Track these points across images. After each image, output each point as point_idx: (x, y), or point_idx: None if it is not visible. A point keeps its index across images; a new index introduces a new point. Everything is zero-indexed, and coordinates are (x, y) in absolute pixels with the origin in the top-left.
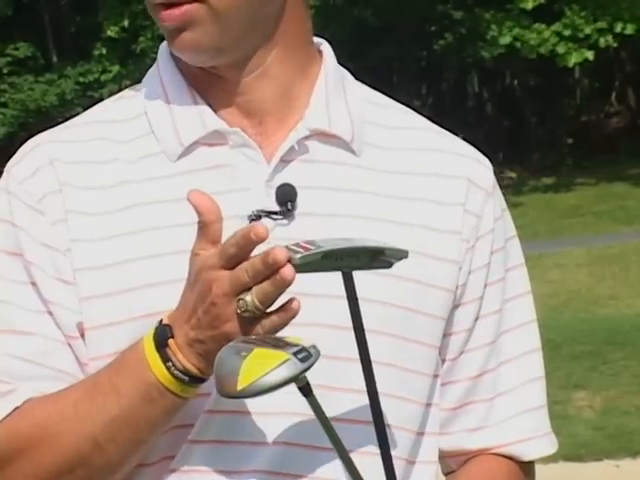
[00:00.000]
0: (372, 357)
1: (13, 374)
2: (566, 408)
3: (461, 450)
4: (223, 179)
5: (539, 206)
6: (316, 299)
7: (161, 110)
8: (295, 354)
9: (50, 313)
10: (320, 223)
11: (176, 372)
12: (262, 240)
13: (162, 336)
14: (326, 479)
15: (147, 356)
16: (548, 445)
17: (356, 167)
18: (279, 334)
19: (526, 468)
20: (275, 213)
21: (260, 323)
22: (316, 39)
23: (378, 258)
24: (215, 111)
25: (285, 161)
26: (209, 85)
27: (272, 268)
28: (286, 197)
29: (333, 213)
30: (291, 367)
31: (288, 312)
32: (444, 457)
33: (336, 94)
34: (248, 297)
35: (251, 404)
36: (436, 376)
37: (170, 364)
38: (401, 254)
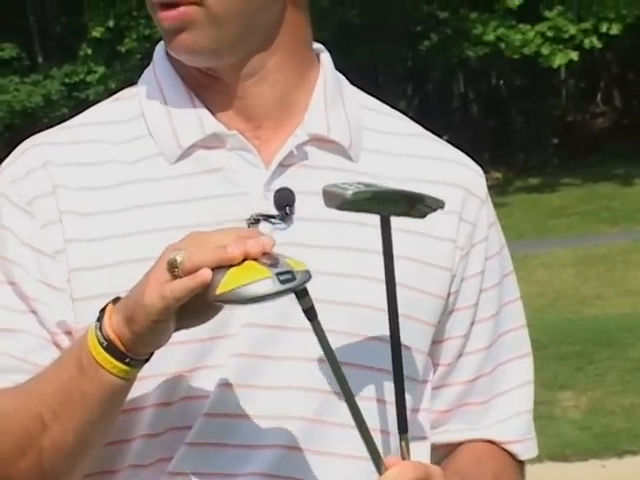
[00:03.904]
0: (361, 361)
1: None
2: (552, 408)
3: (455, 443)
4: (221, 183)
5: (525, 206)
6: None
7: (159, 112)
8: (278, 274)
9: (33, 312)
10: (318, 228)
11: (98, 333)
12: (263, 249)
13: (108, 302)
14: None
15: (91, 324)
16: (535, 447)
17: (353, 173)
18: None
19: (519, 466)
20: (273, 217)
21: (171, 281)
22: (314, 44)
23: (415, 206)
24: (213, 114)
25: (283, 165)
26: (207, 88)
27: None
28: (284, 201)
29: (331, 218)
30: (267, 285)
31: (194, 277)
32: (435, 449)
33: (334, 100)
34: (180, 253)
35: (249, 407)
36: (425, 382)
37: (98, 324)
38: (438, 204)
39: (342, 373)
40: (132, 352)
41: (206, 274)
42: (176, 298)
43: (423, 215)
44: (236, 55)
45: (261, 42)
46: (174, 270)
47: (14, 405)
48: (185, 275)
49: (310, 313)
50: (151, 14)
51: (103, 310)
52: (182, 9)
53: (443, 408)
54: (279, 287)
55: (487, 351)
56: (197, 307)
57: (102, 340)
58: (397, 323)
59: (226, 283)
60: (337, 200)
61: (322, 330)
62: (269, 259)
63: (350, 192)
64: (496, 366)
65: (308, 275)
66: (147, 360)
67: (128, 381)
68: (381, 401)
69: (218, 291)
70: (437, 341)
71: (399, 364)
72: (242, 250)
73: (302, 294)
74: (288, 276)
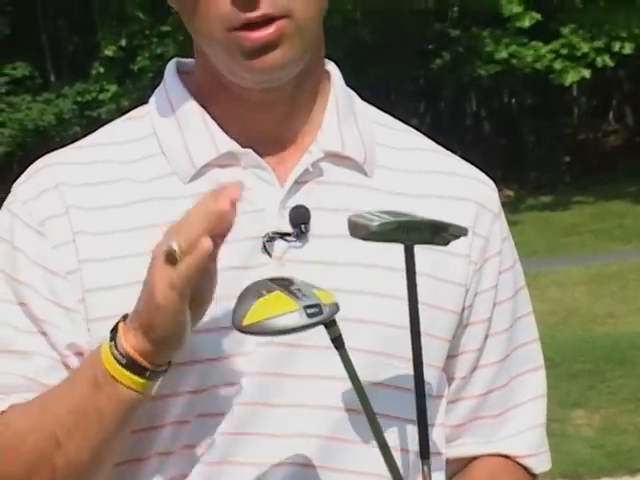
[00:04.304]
0: (376, 378)
1: (7, 387)
2: (564, 426)
3: (469, 457)
4: None
5: (537, 224)
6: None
7: (171, 131)
8: (306, 307)
9: (44, 333)
10: (334, 245)
11: (115, 351)
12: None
13: (117, 321)
14: None
15: (103, 343)
16: (548, 461)
17: (368, 189)
18: (313, 284)
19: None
20: (289, 235)
21: (176, 266)
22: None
23: (439, 234)
24: (226, 132)
25: (299, 183)
26: (221, 106)
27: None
28: (300, 219)
29: (346, 235)
30: (295, 318)
31: (199, 250)
32: (449, 463)
33: (347, 116)
34: (173, 241)
35: (265, 425)
36: (440, 397)
37: (113, 343)
38: (462, 231)
39: (365, 394)
40: (153, 364)
41: (206, 243)
42: (185, 280)
43: (446, 243)
44: (299, 68)
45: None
46: (174, 259)
47: (27, 424)
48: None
49: (338, 342)
50: (222, 38)
51: (114, 329)
52: (279, 23)
53: (457, 422)
54: (306, 321)
55: (501, 364)
56: (201, 288)
57: (120, 358)
58: (420, 349)
59: (254, 314)
60: (362, 231)
61: (349, 359)
62: (298, 290)
63: (376, 223)
64: (510, 379)
65: (336, 308)
66: (166, 371)
67: (146, 395)
68: (401, 419)
69: (245, 322)
70: (452, 355)
71: (421, 391)
72: (227, 200)
73: (330, 324)
74: (316, 309)
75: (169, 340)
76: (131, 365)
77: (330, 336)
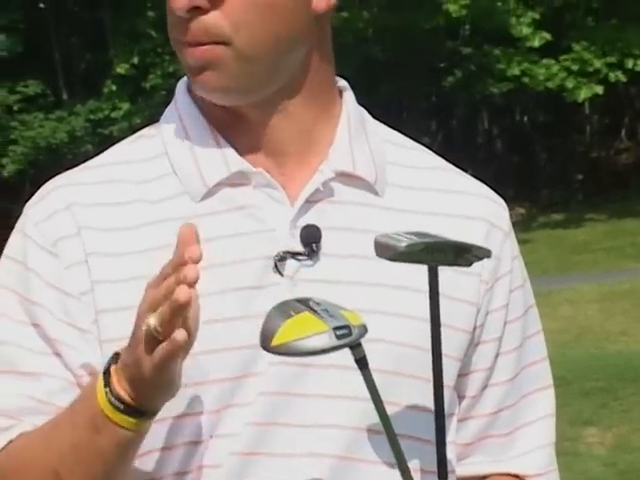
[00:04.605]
0: (388, 397)
1: (19, 410)
2: (577, 445)
3: (479, 476)
4: (248, 220)
5: (549, 242)
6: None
7: (182, 150)
8: (335, 329)
9: (57, 354)
10: (345, 264)
11: (111, 398)
12: (194, 261)
13: (109, 362)
14: None
15: (97, 383)
16: (557, 479)
17: (379, 208)
18: (339, 304)
19: None
20: (300, 254)
21: (156, 349)
22: (336, 79)
23: (462, 255)
24: (237, 151)
25: (309, 202)
26: (230, 124)
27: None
28: (311, 238)
29: (357, 254)
30: (324, 339)
31: (171, 342)
32: None
33: (358, 135)
34: (151, 317)
35: (278, 445)
36: (451, 415)
37: (108, 389)
38: (485, 253)
39: (386, 414)
40: (149, 408)
41: (179, 336)
42: (168, 363)
43: (469, 264)
44: (261, 93)
45: (286, 81)
46: (155, 337)
47: (29, 459)
48: (167, 337)
49: (362, 363)
50: (176, 51)
51: (106, 372)
52: (209, 47)
53: (467, 440)
54: (335, 342)
55: (511, 383)
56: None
57: (117, 404)
58: (441, 371)
59: (283, 335)
60: (390, 252)
61: (372, 380)
62: (327, 311)
63: (403, 244)
64: (519, 398)
65: (364, 330)
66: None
67: (145, 431)
68: (414, 438)
69: (274, 342)
70: (462, 374)
71: (441, 411)
72: (186, 292)
73: (356, 345)
74: (345, 331)
75: (161, 393)
76: (128, 410)
77: (355, 357)
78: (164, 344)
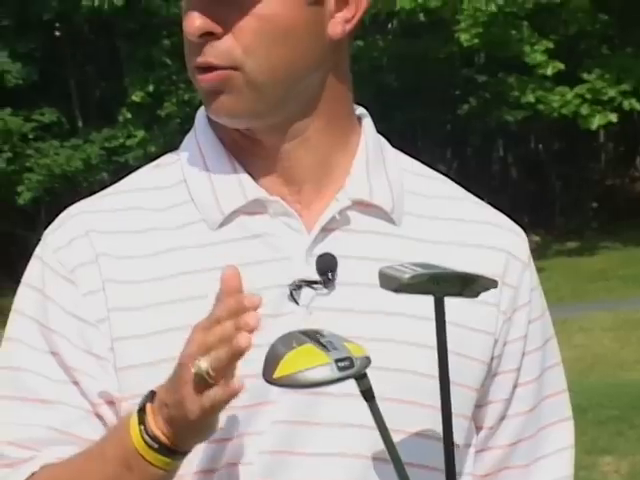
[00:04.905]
0: (400, 426)
1: (38, 441)
2: (592, 473)
3: None
4: (264, 248)
5: (564, 270)
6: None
7: (200, 178)
8: (337, 361)
9: (75, 382)
10: (360, 293)
11: (146, 437)
12: (255, 308)
13: (144, 400)
14: None
15: (131, 420)
16: None
17: (396, 237)
18: (343, 336)
19: None
20: (316, 282)
21: (207, 392)
22: (356, 108)
23: (469, 286)
24: (254, 178)
25: (326, 230)
26: (248, 152)
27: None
28: (327, 267)
29: (373, 283)
30: (325, 372)
31: (228, 388)
32: None
33: (376, 164)
34: (203, 360)
35: (293, 474)
36: (468, 445)
37: (143, 427)
38: (491, 284)
39: (393, 445)
40: (183, 448)
41: (237, 384)
42: (218, 408)
43: (476, 295)
44: (275, 117)
45: (301, 107)
46: (205, 381)
47: None
48: (218, 381)
49: (367, 394)
50: (191, 78)
51: (142, 409)
52: (221, 72)
53: (485, 472)
54: (337, 374)
55: (529, 415)
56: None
57: (152, 443)
58: (449, 402)
59: (285, 367)
60: (394, 283)
61: (379, 411)
62: (330, 342)
63: (407, 276)
64: (538, 430)
65: (367, 361)
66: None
67: (177, 468)
68: (426, 468)
69: (276, 375)
70: (480, 405)
71: (449, 441)
72: (247, 338)
73: (360, 377)
74: (347, 363)
75: (200, 435)
76: (162, 449)
77: (360, 388)
78: (217, 389)
